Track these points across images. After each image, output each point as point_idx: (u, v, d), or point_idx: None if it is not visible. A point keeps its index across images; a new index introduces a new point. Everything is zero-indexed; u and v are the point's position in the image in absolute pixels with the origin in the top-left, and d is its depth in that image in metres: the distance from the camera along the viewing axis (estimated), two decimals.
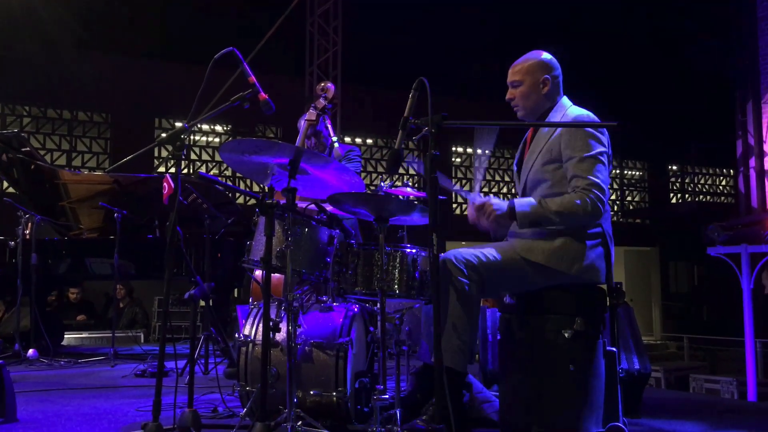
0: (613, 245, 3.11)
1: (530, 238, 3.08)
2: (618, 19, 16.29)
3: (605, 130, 3.07)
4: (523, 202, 3.04)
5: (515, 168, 3.39)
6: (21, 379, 4.83)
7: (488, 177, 19.39)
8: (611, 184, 21.73)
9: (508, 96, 3.27)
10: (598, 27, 16.00)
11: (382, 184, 3.46)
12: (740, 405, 6.19)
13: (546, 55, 3.25)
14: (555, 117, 3.19)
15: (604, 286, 3.10)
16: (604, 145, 3.04)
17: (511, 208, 3.02)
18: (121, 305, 9.47)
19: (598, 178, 2.96)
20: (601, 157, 3.01)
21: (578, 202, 2.93)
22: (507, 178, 19.54)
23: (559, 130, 3.09)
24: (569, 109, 3.19)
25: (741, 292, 9.18)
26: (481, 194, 3.19)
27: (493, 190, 19.44)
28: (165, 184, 5.12)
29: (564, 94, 3.27)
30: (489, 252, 3.04)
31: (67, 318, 9.31)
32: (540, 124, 3.19)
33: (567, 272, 2.97)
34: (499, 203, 3.06)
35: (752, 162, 13.18)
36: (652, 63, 18.30)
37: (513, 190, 19.66)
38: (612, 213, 21.65)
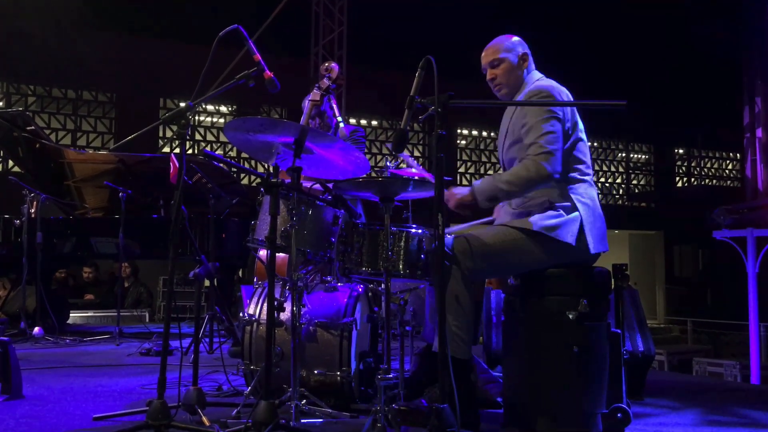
0: (594, 211, 3.09)
1: (511, 217, 3.16)
2: (625, 1, 16.13)
3: (561, 97, 3.11)
4: (478, 180, 3.15)
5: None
6: (26, 357, 4.86)
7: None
8: (617, 167, 21.71)
9: (489, 76, 3.30)
10: (604, 9, 15.85)
11: (388, 164, 3.45)
12: (743, 388, 6.20)
13: (516, 37, 3.31)
14: (524, 92, 3.23)
15: (606, 266, 3.10)
16: (553, 111, 3.04)
17: (471, 189, 3.13)
18: (126, 284, 9.50)
19: (545, 140, 2.98)
20: (551, 121, 3.02)
21: (527, 168, 2.99)
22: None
23: (518, 109, 3.14)
24: (534, 84, 3.21)
25: (746, 276, 9.17)
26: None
27: (498, 172, 19.37)
28: (171, 163, 5.12)
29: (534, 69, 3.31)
30: (477, 235, 3.04)
31: (80, 297, 9.37)
32: (548, 103, 3.15)
33: (536, 229, 2.97)
34: (460, 189, 3.17)
35: (759, 133, 13.13)
36: (658, 46, 18.16)
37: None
38: (617, 196, 21.62)
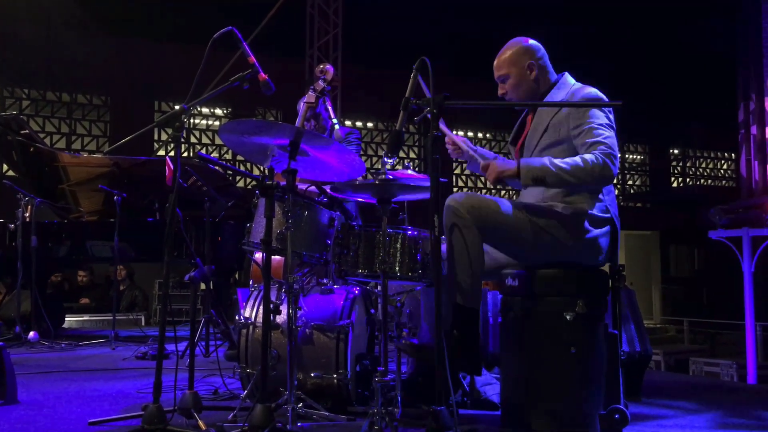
0: (619, 232, 3.09)
1: (539, 203, 3.04)
2: (620, 3, 16.16)
3: (611, 109, 3.05)
4: (530, 158, 2.99)
5: (511, 147, 3.36)
6: (22, 362, 4.84)
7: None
8: None
9: (499, 92, 3.23)
10: (599, 7, 15.87)
11: (385, 159, 3.44)
12: (740, 387, 6.20)
13: (526, 43, 3.21)
14: (558, 95, 3.15)
15: (606, 268, 3.09)
16: (609, 119, 3.02)
17: (518, 163, 2.92)
18: (122, 287, 9.48)
19: (608, 140, 2.90)
20: (609, 125, 2.98)
21: (589, 158, 2.84)
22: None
23: (564, 108, 3.04)
24: (574, 87, 3.15)
25: (742, 276, 9.18)
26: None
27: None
28: (167, 166, 5.11)
29: (565, 72, 3.24)
30: (495, 201, 2.97)
31: (75, 301, 9.34)
32: (545, 104, 3.15)
33: (565, 242, 2.94)
34: (504, 162, 2.97)
35: (753, 130, 13.17)
36: (653, 47, 18.19)
37: None
38: None
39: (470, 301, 2.93)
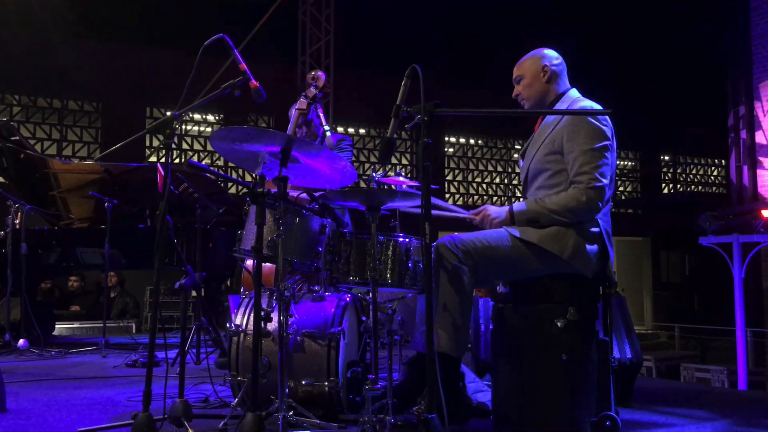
0: (612, 245, 3.11)
1: (524, 225, 3.11)
2: (609, 7, 16.24)
3: (608, 122, 3.09)
4: (520, 203, 3.15)
5: (521, 159, 3.42)
6: (11, 370, 4.80)
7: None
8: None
9: (514, 93, 3.36)
10: (588, 14, 15.95)
11: (374, 174, 3.45)
12: (731, 394, 6.22)
13: (546, 51, 3.33)
14: (560, 108, 3.23)
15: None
16: (608, 138, 3.07)
17: (510, 211, 3.13)
18: (112, 294, 9.43)
19: (599, 172, 2.99)
20: (606, 152, 3.04)
21: (576, 198, 2.99)
22: (500, 168, 19.55)
23: (563, 121, 3.12)
24: (573, 100, 3.23)
25: (732, 282, 9.22)
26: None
27: (486, 180, 19.45)
28: (158, 173, 5.10)
29: (572, 87, 3.32)
30: (483, 237, 3.04)
31: (66, 308, 9.30)
32: (532, 112, 3.18)
33: (559, 254, 2.97)
34: (497, 210, 3.19)
35: (743, 134, 13.27)
36: (643, 54, 18.28)
37: (506, 180, 19.74)
38: None
39: (453, 350, 2.95)
